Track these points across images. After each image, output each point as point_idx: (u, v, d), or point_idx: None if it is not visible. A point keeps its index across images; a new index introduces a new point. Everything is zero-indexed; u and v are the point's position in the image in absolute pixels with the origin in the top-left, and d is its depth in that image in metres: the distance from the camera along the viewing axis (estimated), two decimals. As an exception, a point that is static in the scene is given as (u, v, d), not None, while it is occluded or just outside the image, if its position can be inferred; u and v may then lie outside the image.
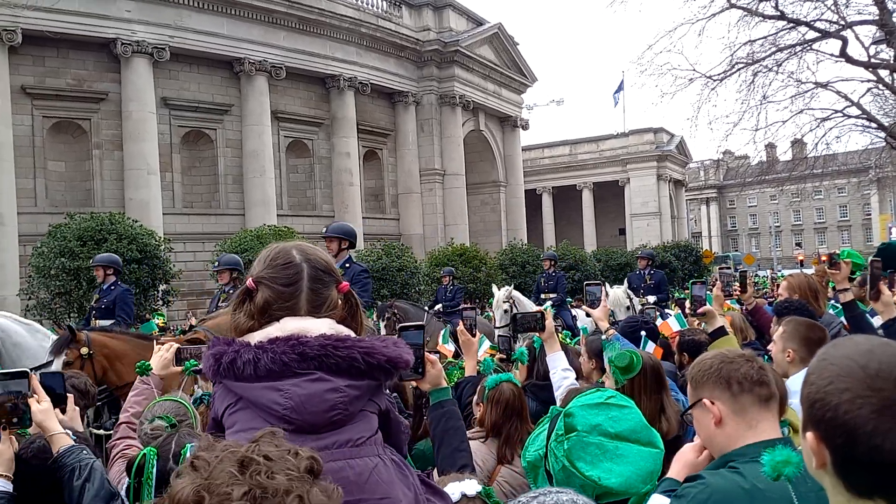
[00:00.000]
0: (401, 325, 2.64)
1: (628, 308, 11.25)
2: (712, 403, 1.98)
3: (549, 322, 3.97)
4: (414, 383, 2.60)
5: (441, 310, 14.33)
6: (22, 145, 20.29)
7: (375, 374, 1.78)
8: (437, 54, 30.99)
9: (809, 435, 1.22)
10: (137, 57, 21.63)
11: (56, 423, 2.59)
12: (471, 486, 2.05)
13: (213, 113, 24.27)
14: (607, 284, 12.02)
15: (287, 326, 1.79)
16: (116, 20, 21.29)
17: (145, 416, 3.24)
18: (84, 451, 2.53)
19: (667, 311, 11.19)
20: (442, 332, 8.05)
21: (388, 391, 1.99)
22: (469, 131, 33.64)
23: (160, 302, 14.65)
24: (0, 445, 2.48)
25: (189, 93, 23.72)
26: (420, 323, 2.67)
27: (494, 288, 11.72)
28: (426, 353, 2.51)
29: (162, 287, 14.24)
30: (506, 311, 11.26)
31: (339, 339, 1.75)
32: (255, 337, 1.78)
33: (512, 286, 12.06)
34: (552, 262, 14.62)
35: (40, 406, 2.55)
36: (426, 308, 13.76)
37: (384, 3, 29.57)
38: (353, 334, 1.83)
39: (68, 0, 19.82)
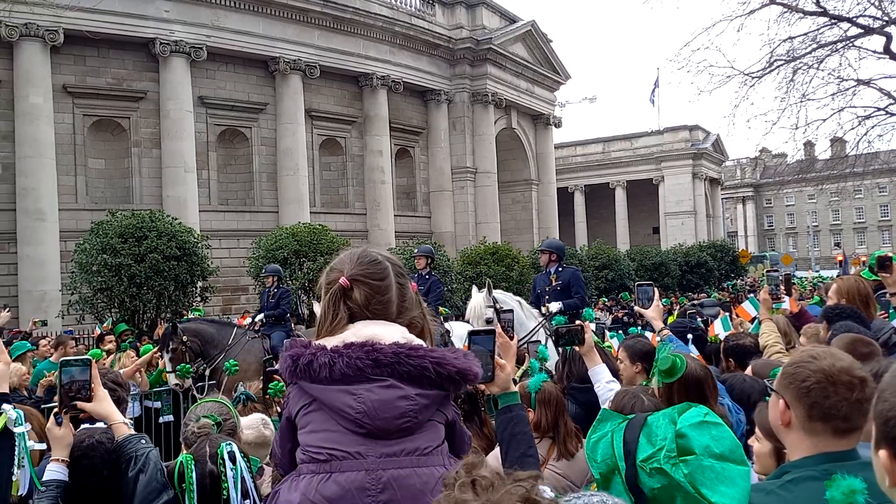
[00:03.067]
0: (471, 329, 2.66)
1: (489, 321, 8.16)
2: (787, 408, 1.94)
3: (589, 336, 3.97)
4: (483, 387, 2.66)
5: (262, 321, 11.29)
6: (63, 143, 20.70)
7: (445, 385, 1.82)
8: (470, 52, 30.96)
9: (883, 453, 1.20)
10: (175, 56, 21.94)
11: (117, 413, 2.61)
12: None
13: (248, 111, 24.54)
14: (475, 288, 8.72)
15: (362, 332, 1.84)
16: (155, 20, 21.61)
17: (189, 418, 3.27)
18: (142, 441, 2.55)
19: (584, 323, 7.37)
20: None
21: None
22: (501, 129, 33.56)
23: (198, 298, 14.85)
24: (61, 430, 2.51)
25: (225, 91, 24.01)
26: (491, 328, 2.68)
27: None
28: (496, 358, 2.54)
29: (200, 283, 14.43)
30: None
31: (411, 349, 1.80)
32: (331, 341, 1.83)
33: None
34: (428, 260, 11.12)
35: (98, 397, 2.56)
36: (234, 322, 11.34)
37: (417, 1, 29.61)
38: (424, 344, 1.87)
39: (108, 0, 20.14)
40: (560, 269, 9.68)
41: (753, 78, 18.11)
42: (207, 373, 9.26)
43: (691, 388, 3.27)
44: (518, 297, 9.19)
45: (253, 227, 23.18)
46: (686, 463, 2.00)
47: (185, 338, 8.99)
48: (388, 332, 1.85)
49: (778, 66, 18.03)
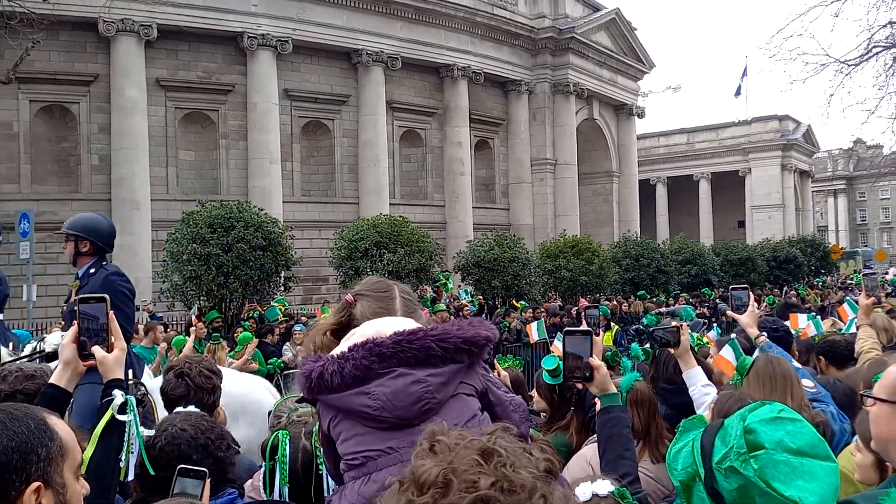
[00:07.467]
0: (567, 329, 2.68)
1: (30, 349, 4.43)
2: None
3: (686, 337, 3.85)
4: (580, 386, 2.65)
5: None
6: (156, 135, 21.51)
7: (456, 357, 1.84)
8: (552, 42, 30.58)
9: None
10: (262, 50, 22.48)
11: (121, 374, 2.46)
12: (602, 486, 2.00)
13: (331, 103, 24.94)
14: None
15: (366, 332, 1.90)
16: (243, 14, 22.20)
17: (281, 410, 3.30)
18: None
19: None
20: None
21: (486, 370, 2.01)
22: (582, 120, 33.06)
23: (282, 288, 15.18)
24: None
25: (309, 84, 24.47)
26: (587, 329, 2.68)
27: None
28: (591, 360, 2.56)
29: (283, 273, 14.74)
30: None
31: (411, 333, 1.84)
32: (339, 348, 1.90)
33: None
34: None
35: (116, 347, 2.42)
36: None
37: (499, -10, 29.44)
38: (426, 327, 1.90)
39: (199, -4, 20.83)
40: (92, 270, 4.76)
41: (850, 66, 17.24)
42: None
43: (765, 381, 3.22)
44: None
45: (334, 218, 23.57)
46: (756, 458, 1.94)
47: None
48: (391, 325, 1.90)
49: (877, 53, 17.15)
